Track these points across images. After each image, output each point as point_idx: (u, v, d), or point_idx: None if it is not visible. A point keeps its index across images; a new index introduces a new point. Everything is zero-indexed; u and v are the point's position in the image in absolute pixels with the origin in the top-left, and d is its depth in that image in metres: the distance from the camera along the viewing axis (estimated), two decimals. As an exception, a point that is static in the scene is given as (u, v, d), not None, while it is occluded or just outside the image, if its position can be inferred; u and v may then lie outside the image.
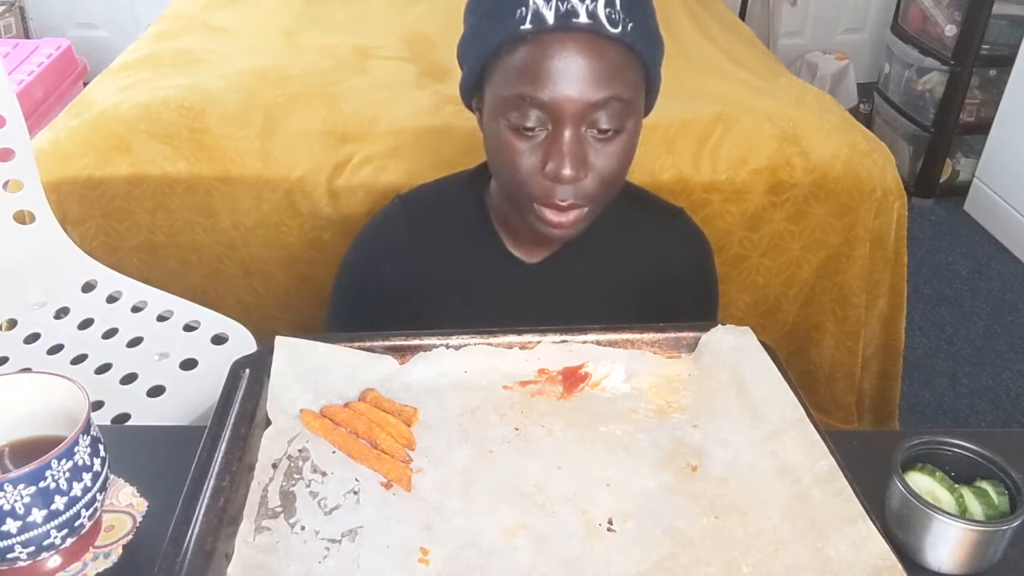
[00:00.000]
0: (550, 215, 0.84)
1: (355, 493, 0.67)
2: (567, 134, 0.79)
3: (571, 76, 0.78)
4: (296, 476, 0.69)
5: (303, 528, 0.64)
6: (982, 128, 2.75)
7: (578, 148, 0.80)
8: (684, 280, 1.00)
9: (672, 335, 0.83)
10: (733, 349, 0.81)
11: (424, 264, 0.97)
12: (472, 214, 0.97)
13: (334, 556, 0.62)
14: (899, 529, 0.67)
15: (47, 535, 0.62)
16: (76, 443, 0.62)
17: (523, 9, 0.77)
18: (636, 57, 0.81)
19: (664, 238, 1.01)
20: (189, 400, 1.14)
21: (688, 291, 1.01)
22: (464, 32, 0.87)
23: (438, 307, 0.97)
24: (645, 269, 0.98)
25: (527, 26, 0.77)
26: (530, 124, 0.80)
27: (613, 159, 0.82)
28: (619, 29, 0.78)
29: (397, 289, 0.98)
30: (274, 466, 0.69)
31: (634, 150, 0.85)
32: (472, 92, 0.88)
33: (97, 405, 1.12)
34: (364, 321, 0.98)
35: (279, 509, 0.65)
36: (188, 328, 1.27)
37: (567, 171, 0.80)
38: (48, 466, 0.60)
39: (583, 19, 0.77)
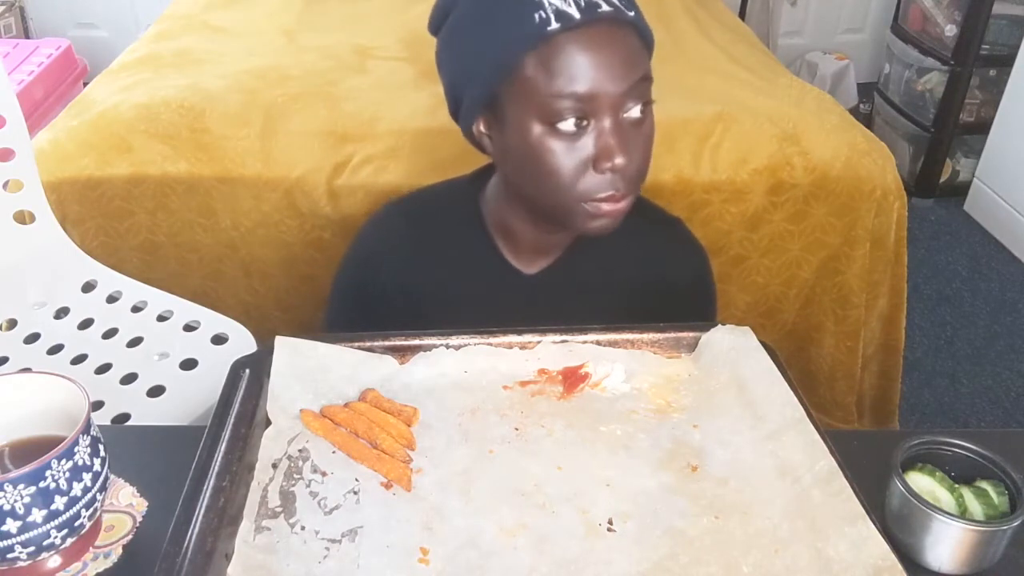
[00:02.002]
0: (605, 207, 0.82)
1: (355, 493, 0.67)
2: (609, 123, 0.79)
3: (605, 65, 0.78)
4: (296, 476, 0.69)
5: (303, 528, 0.64)
6: (982, 128, 2.75)
7: (623, 135, 0.80)
8: (682, 290, 0.99)
9: (672, 335, 0.83)
10: (733, 349, 0.81)
11: (423, 267, 0.97)
12: (469, 223, 0.97)
13: (334, 556, 0.62)
14: (899, 529, 0.67)
15: (47, 535, 0.62)
16: (76, 443, 0.62)
17: (541, 12, 0.76)
18: (643, 37, 0.82)
19: (662, 247, 1.00)
20: (189, 400, 1.14)
21: (686, 301, 1.00)
22: (460, 57, 0.85)
23: (436, 313, 0.97)
24: (642, 278, 0.97)
25: (554, 26, 0.76)
26: (571, 122, 0.79)
27: (646, 142, 0.83)
28: (633, 13, 0.80)
29: (397, 290, 0.97)
30: (274, 466, 0.69)
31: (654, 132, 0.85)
32: (476, 116, 0.86)
33: (97, 405, 1.12)
34: (363, 323, 0.98)
35: (279, 509, 0.65)
36: (188, 328, 1.27)
37: (620, 159, 0.79)
38: (48, 466, 0.60)
39: (605, 8, 0.78)
